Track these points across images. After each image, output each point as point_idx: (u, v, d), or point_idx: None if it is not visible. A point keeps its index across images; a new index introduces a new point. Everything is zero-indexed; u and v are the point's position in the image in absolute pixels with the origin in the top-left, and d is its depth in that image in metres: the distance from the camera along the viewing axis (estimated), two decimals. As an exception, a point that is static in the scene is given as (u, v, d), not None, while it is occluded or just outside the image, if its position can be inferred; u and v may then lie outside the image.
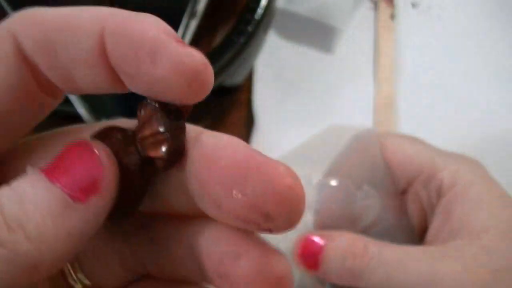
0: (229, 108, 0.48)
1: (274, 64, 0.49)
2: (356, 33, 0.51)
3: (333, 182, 0.29)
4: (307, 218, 0.29)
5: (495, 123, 0.47)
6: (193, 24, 0.39)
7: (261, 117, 0.46)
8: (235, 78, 0.41)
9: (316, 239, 0.27)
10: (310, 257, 0.27)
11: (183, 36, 0.38)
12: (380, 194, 0.29)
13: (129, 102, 0.36)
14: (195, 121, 0.51)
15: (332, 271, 0.26)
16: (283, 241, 0.29)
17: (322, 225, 0.29)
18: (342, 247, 0.26)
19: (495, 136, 0.47)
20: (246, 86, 0.48)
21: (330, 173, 0.30)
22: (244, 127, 0.47)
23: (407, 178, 0.29)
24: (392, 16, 0.51)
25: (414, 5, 0.52)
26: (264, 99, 0.47)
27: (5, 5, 0.38)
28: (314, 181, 0.29)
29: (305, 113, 0.47)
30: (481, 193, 0.27)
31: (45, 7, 0.37)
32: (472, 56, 0.50)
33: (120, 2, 0.39)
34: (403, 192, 0.30)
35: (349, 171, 0.29)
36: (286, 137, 0.46)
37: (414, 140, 0.30)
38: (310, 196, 0.29)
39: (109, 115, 0.35)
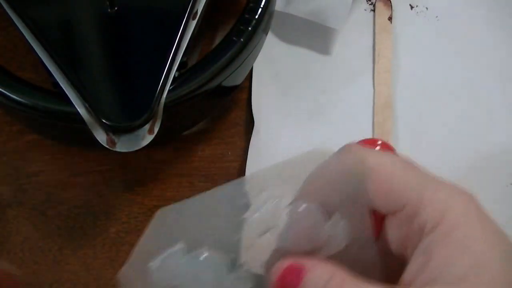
0: (229, 108, 0.48)
1: (272, 66, 0.49)
2: (354, 34, 0.51)
3: (301, 208, 0.27)
4: (271, 242, 0.28)
5: (494, 124, 0.47)
6: (193, 24, 0.39)
7: (260, 118, 0.46)
8: (235, 78, 0.42)
9: (296, 267, 0.26)
10: (287, 286, 0.26)
11: (183, 36, 0.38)
12: (351, 219, 0.28)
13: (129, 103, 0.36)
14: (196, 121, 0.51)
15: None
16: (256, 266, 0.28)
17: (285, 251, 0.27)
18: (319, 282, 0.25)
19: (495, 138, 0.47)
20: (246, 86, 0.48)
21: (301, 196, 0.29)
22: (244, 127, 0.47)
23: (391, 209, 0.27)
24: (390, 18, 0.51)
25: (412, 6, 0.52)
26: (262, 100, 0.47)
27: (5, 5, 0.38)
28: (283, 205, 0.28)
29: (303, 115, 0.48)
30: (466, 237, 0.25)
31: (45, 6, 0.37)
32: (470, 57, 0.50)
33: (121, 3, 0.39)
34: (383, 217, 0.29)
35: (320, 192, 0.28)
36: (285, 138, 0.46)
37: (405, 166, 0.27)
38: (278, 220, 0.28)
39: (108, 115, 0.35)
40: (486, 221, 0.25)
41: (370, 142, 0.30)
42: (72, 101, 0.36)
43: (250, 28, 0.40)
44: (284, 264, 0.26)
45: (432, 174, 0.27)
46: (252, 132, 0.46)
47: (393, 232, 0.28)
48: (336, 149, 0.46)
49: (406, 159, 0.28)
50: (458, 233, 0.24)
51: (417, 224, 0.26)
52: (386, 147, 0.30)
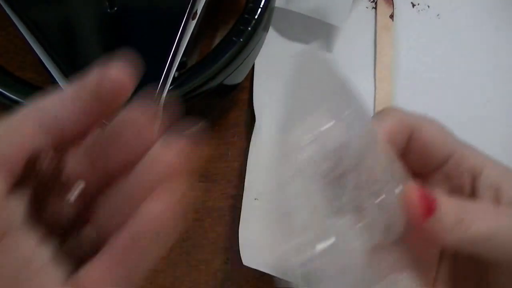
0: (229, 108, 0.48)
1: (273, 63, 0.49)
2: (356, 32, 0.51)
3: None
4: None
5: (494, 122, 0.47)
6: (193, 24, 0.39)
7: (261, 116, 0.46)
8: (235, 78, 0.41)
9: (428, 198, 0.26)
10: (424, 202, 0.26)
11: (182, 37, 0.38)
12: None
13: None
14: (196, 121, 0.51)
15: (447, 216, 0.26)
16: None
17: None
18: (450, 220, 0.26)
19: (494, 136, 0.47)
20: (246, 86, 0.48)
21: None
22: (244, 128, 0.47)
23: (434, 164, 0.29)
24: (392, 16, 0.51)
25: (413, 4, 0.52)
26: (264, 98, 0.47)
27: (4, 5, 0.38)
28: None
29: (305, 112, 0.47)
30: None
31: (45, 7, 0.36)
32: (471, 55, 0.50)
33: (121, 3, 0.39)
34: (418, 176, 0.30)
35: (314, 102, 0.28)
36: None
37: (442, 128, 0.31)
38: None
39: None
40: None
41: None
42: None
43: (249, 28, 0.40)
44: (413, 189, 0.26)
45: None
46: (252, 132, 0.46)
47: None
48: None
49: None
50: (493, 178, 0.28)
51: (466, 168, 0.29)
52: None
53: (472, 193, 0.28)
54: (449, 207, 0.26)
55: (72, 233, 0.24)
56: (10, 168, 0.22)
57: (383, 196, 0.27)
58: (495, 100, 0.48)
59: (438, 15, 0.51)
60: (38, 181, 0.23)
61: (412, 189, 0.26)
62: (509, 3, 0.51)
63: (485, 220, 0.26)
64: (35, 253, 0.22)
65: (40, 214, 0.23)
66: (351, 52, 0.50)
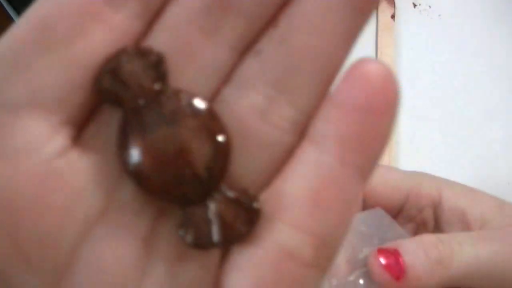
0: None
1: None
2: (356, 32, 0.51)
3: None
4: None
5: (495, 122, 0.47)
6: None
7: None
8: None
9: (389, 248, 0.25)
10: (393, 265, 0.25)
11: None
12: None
13: None
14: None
15: (420, 269, 0.25)
16: None
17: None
18: (418, 244, 0.25)
19: (495, 135, 0.47)
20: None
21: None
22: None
23: (397, 205, 0.29)
24: (393, 16, 0.51)
25: (415, 5, 0.52)
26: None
27: (5, 4, 0.38)
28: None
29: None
30: (470, 193, 0.28)
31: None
32: (472, 56, 0.50)
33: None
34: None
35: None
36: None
37: (386, 169, 0.30)
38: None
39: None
40: None
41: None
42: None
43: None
44: (377, 251, 0.25)
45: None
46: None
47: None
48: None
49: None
50: (454, 202, 0.28)
51: (427, 203, 0.28)
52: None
53: (437, 223, 0.28)
54: (420, 257, 0.25)
55: None
56: (67, 104, 0.14)
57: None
58: (496, 101, 0.48)
59: (439, 15, 0.51)
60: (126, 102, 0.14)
61: (376, 264, 0.25)
62: (511, 3, 0.51)
63: (464, 255, 0.25)
64: None
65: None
66: (351, 52, 0.50)
